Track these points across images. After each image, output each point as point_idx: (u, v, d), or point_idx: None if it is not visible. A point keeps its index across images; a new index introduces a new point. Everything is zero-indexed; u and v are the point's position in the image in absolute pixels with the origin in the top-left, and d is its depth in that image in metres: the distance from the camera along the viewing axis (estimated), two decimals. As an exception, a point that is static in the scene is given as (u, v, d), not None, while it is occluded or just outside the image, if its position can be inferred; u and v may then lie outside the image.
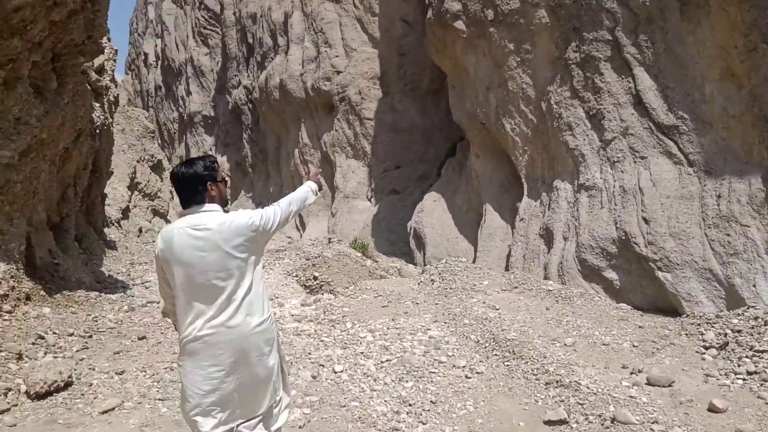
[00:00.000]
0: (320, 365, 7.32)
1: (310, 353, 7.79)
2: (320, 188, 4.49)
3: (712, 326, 8.21)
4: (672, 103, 15.34)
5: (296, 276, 14.63)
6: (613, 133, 16.57)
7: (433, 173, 28.23)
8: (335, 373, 7.06)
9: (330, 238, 18.67)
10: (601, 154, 16.99)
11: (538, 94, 19.04)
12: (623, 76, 16.34)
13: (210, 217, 3.58)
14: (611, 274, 16.32)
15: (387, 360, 7.43)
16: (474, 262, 21.82)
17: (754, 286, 13.14)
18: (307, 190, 4.24)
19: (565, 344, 7.88)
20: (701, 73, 14.75)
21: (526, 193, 19.94)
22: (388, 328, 8.79)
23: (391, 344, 8.03)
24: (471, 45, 20.95)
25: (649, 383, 6.71)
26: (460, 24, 20.84)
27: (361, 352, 7.75)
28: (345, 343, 8.23)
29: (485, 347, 7.89)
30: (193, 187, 3.62)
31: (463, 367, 7.17)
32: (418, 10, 28.18)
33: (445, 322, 9.10)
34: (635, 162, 16.18)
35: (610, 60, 16.52)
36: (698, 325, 8.51)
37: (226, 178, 3.97)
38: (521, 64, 19.21)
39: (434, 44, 23.17)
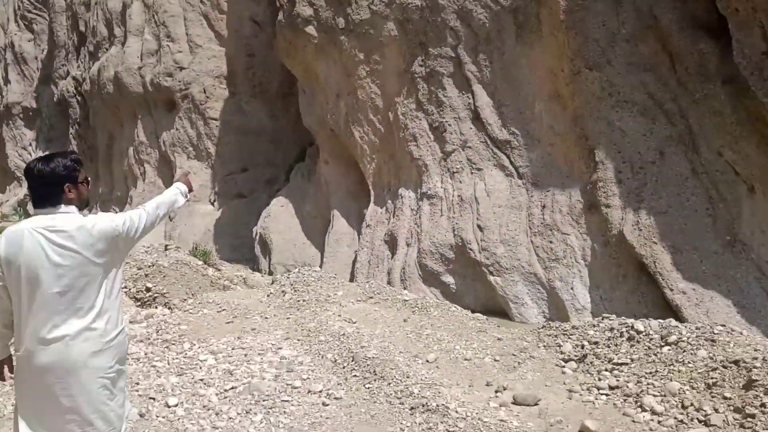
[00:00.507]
0: (150, 398, 6.36)
1: (138, 383, 6.74)
2: (191, 190, 4.19)
3: (569, 337, 8.00)
4: (506, 119, 16.55)
5: (125, 288, 13.24)
6: (454, 146, 17.46)
7: (282, 178, 27.78)
8: (168, 407, 6.12)
9: (167, 245, 17.39)
10: (442, 165, 17.82)
11: (386, 104, 19.52)
12: (464, 92, 17.31)
13: (67, 219, 3.26)
14: (448, 279, 17.12)
15: (232, 388, 6.63)
16: (321, 267, 21.73)
17: (572, 288, 14.51)
18: (176, 192, 3.99)
19: (428, 361, 7.55)
20: (532, 93, 16.09)
21: (372, 200, 20.30)
22: (233, 349, 7.93)
23: (236, 368, 7.23)
24: (322, 51, 20.96)
25: (515, 402, 6.51)
26: (311, 29, 20.77)
27: (201, 379, 6.87)
28: (181, 368, 7.28)
29: (343, 367, 7.34)
30: (50, 186, 3.30)
31: (320, 392, 6.58)
32: (269, 11, 27.68)
33: (298, 339, 8.44)
34: (472, 173, 17.19)
35: (452, 76, 17.41)
36: (555, 336, 8.26)
37: (89, 178, 3.57)
38: (371, 74, 19.58)
39: (285, 48, 22.86)
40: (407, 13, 17.92)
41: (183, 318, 9.83)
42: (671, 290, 12.03)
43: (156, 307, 11.67)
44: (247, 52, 29.13)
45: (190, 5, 30.50)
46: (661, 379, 6.44)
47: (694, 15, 12.95)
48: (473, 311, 16.60)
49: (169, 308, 11.46)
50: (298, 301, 10.52)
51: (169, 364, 7.50)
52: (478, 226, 16.46)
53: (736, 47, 11.57)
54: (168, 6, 30.74)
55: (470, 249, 16.35)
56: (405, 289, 17.41)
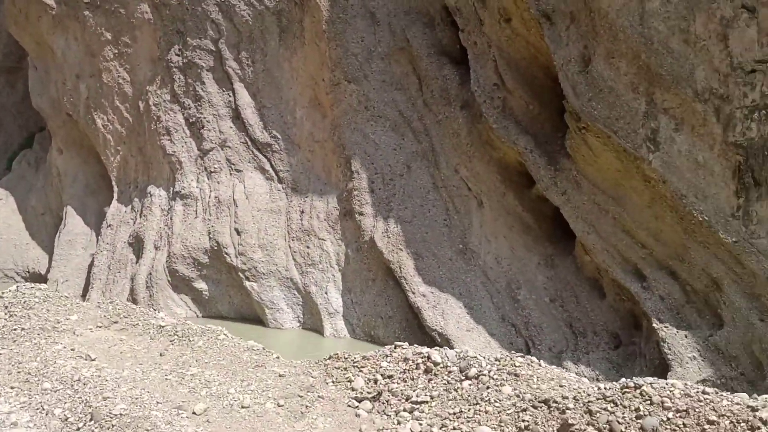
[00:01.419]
0: None
1: None
2: None
3: (360, 370, 7.04)
4: (267, 122, 16.31)
5: None
6: (212, 144, 16.66)
7: (2, 166, 23.65)
8: None
9: None
10: (198, 163, 16.87)
11: (136, 92, 17.82)
12: (224, 89, 16.63)
13: None
14: (201, 285, 16.28)
15: None
16: (48, 273, 18.93)
17: (326, 293, 14.85)
18: None
19: (195, 413, 5.95)
20: (294, 98, 16.12)
21: (116, 197, 18.35)
22: None
23: None
24: (61, 25, 18.34)
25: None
26: (48, -3, 18.05)
27: None
28: None
29: (78, 430, 5.51)
30: None
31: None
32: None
33: (12, 387, 6.24)
34: (231, 174, 16.60)
35: (212, 70, 16.60)
36: (344, 369, 7.19)
37: None
38: (119, 56, 17.70)
39: (14, 16, 19.52)
40: (164, -3, 16.61)
41: None
42: (413, 293, 13.01)
43: None
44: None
45: None
46: (468, 421, 5.80)
47: (442, 42, 14.25)
48: (226, 318, 16.21)
49: None
50: (15, 330, 7.99)
51: None
52: (236, 230, 15.94)
53: (473, 76, 13.00)
54: None
55: (226, 253, 15.75)
56: (151, 296, 16.05)
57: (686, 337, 9.82)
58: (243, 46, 16.24)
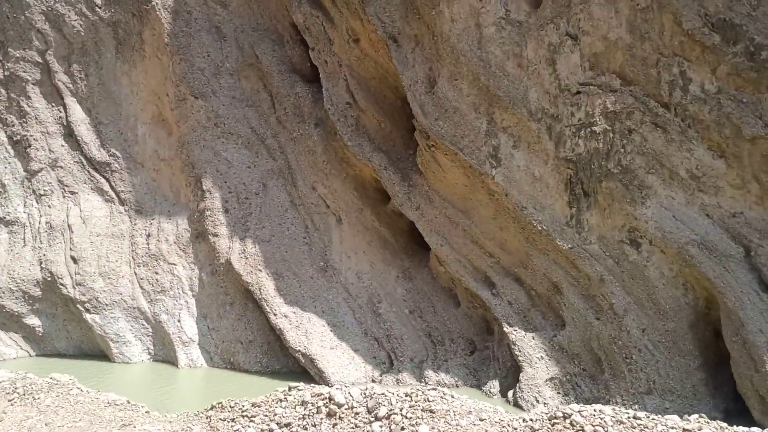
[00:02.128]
0: None
1: None
2: None
3: (251, 420, 6.01)
4: (105, 139, 15.08)
5: None
6: (41, 164, 15.05)
7: None
8: None
9: None
10: (26, 186, 15.15)
11: (-57, 107, 15.59)
12: (54, 104, 15.12)
13: None
14: (34, 320, 14.58)
15: None
16: None
17: (179, 321, 13.99)
18: None
19: None
20: (135, 114, 15.08)
21: None
22: None
23: None
24: None
25: None
26: None
27: None
28: None
29: None
30: None
31: None
32: None
33: None
34: (65, 196, 15.11)
35: (39, 84, 15.03)
36: (231, 420, 6.12)
37: None
38: None
39: None
40: (-24, 1, 14.75)
41: None
42: (275, 315, 12.70)
43: None
44: None
45: None
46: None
47: (292, 60, 14.16)
48: (65, 356, 14.60)
49: None
50: None
51: None
52: (72, 258, 14.50)
53: (325, 95, 13.07)
54: None
55: (62, 284, 14.25)
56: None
57: (533, 338, 10.61)
58: (75, 58, 14.89)
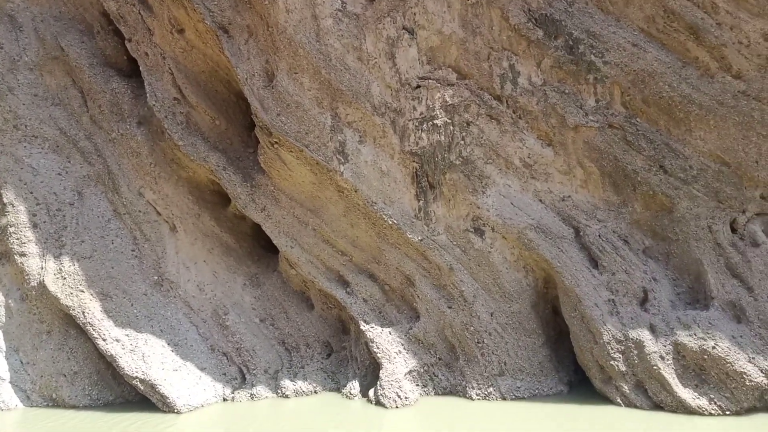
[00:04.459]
0: None
1: None
2: None
3: None
4: None
5: None
6: None
7: None
8: None
9: None
10: None
11: None
12: None
13: None
14: None
15: None
16: None
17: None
18: None
19: None
20: None
21: None
22: None
23: None
24: None
25: None
26: None
27: None
28: None
29: None
30: None
31: None
32: None
33: None
34: None
35: None
36: None
37: None
38: None
39: None
40: None
41: None
42: (104, 340, 11.22)
43: None
44: None
45: None
46: None
47: (105, 53, 12.61)
48: None
49: None
50: None
51: None
52: None
53: (148, 90, 11.81)
54: None
55: None
56: None
57: (390, 333, 10.54)
58: None
